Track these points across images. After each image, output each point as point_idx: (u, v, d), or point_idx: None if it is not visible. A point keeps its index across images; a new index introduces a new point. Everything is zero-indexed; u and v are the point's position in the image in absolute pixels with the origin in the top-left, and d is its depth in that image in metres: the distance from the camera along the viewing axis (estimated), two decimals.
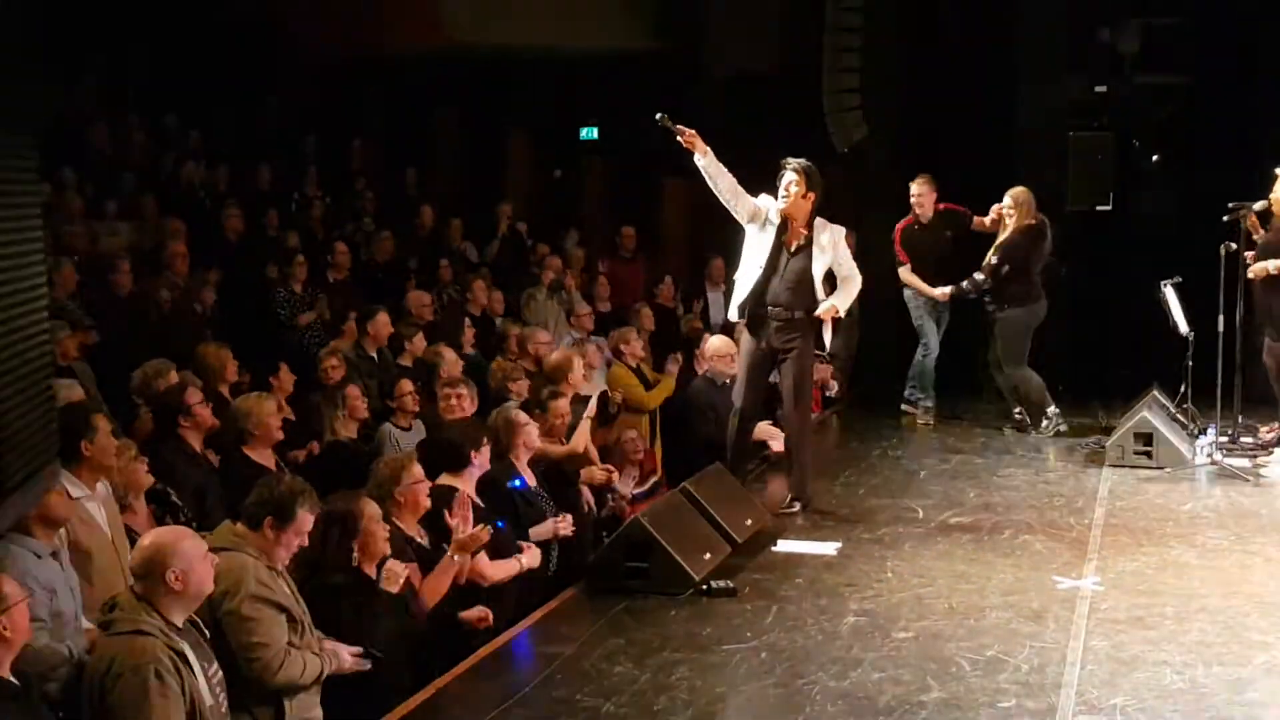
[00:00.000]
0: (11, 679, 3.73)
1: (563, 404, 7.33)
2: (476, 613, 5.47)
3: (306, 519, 4.49)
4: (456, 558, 5.40)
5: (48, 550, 4.32)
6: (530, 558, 6.00)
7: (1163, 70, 12.69)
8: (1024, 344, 9.70)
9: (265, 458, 6.31)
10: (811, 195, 7.37)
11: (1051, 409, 9.70)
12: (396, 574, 4.99)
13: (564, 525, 6.39)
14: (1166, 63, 12.61)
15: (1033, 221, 9.59)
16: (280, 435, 6.51)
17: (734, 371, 8.16)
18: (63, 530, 4.60)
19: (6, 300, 2.10)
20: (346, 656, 4.59)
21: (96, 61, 11.87)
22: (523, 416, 6.69)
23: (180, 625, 3.88)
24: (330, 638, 4.60)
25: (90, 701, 3.75)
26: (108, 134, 11.38)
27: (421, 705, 4.79)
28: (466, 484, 6.01)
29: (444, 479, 5.96)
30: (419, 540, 5.57)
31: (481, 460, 6.13)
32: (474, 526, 5.51)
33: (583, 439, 7.40)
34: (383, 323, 8.75)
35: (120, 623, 3.80)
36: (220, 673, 3.98)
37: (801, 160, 7.42)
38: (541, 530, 6.31)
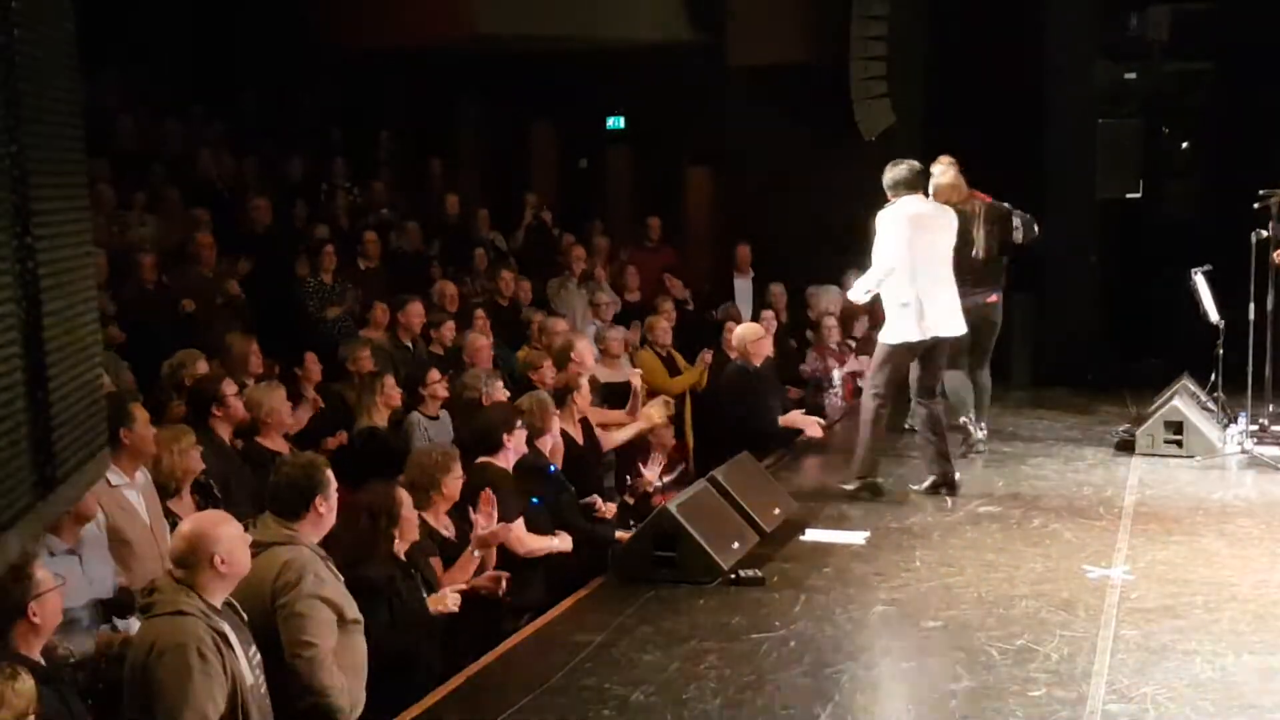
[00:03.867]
0: (40, 661, 3.82)
1: (584, 391, 7.41)
2: (486, 580, 5.42)
3: (332, 478, 4.55)
4: (477, 553, 5.48)
5: (63, 548, 4.39)
6: (563, 541, 6.10)
7: (1192, 56, 12.62)
8: None
9: (280, 445, 6.36)
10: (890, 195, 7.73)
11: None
12: (445, 601, 5.07)
13: (562, 542, 6.19)
14: (1196, 49, 12.53)
15: None
16: (291, 422, 6.54)
17: (764, 355, 8.66)
18: (93, 522, 4.65)
19: (58, 291, 2.12)
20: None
21: (121, 53, 11.94)
22: (552, 404, 6.74)
23: (219, 606, 3.92)
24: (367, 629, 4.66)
25: (134, 682, 3.79)
26: (134, 126, 11.45)
27: (452, 693, 4.81)
28: (505, 464, 6.14)
29: (482, 460, 6.06)
30: (444, 533, 5.63)
31: (516, 443, 6.20)
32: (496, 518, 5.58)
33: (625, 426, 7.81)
34: (415, 313, 8.79)
35: (161, 605, 3.83)
36: (259, 655, 4.01)
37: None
38: (541, 544, 6.10)
